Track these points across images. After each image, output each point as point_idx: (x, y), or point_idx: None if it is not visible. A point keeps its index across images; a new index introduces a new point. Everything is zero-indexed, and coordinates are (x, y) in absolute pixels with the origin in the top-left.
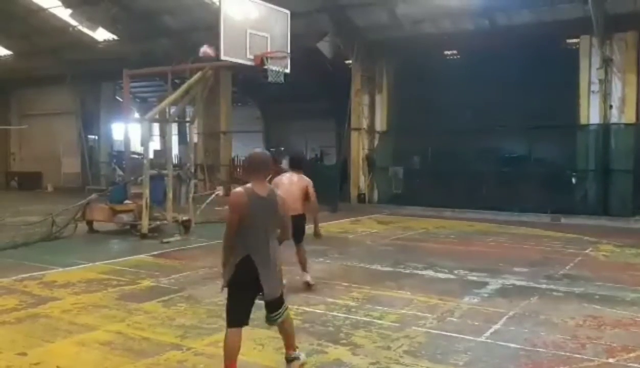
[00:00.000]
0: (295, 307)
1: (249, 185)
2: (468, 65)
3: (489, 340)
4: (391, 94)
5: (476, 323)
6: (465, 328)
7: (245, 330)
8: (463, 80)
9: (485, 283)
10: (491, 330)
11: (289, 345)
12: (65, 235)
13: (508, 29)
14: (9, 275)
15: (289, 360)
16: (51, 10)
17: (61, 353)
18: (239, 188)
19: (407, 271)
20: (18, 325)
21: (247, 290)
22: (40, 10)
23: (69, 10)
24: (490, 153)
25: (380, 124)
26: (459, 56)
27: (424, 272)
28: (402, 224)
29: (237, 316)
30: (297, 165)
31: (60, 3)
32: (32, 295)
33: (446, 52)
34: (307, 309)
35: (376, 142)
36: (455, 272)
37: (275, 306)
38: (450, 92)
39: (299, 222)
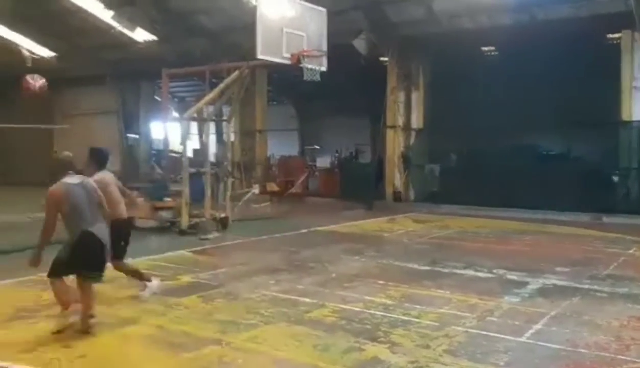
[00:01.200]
0: (333, 305)
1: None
2: (506, 61)
3: (529, 340)
4: (427, 91)
5: (517, 323)
6: (506, 328)
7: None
8: (501, 76)
9: (526, 283)
10: (532, 331)
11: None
12: None
13: (546, 24)
14: None
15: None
16: (93, 11)
17: (105, 346)
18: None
19: (445, 270)
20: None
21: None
22: (82, 11)
23: (111, 12)
24: (528, 150)
25: (416, 121)
26: (496, 52)
27: (462, 271)
28: (439, 223)
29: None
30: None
31: (102, 5)
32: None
33: (484, 48)
34: (345, 307)
35: (412, 140)
36: (495, 271)
37: None
38: (488, 89)
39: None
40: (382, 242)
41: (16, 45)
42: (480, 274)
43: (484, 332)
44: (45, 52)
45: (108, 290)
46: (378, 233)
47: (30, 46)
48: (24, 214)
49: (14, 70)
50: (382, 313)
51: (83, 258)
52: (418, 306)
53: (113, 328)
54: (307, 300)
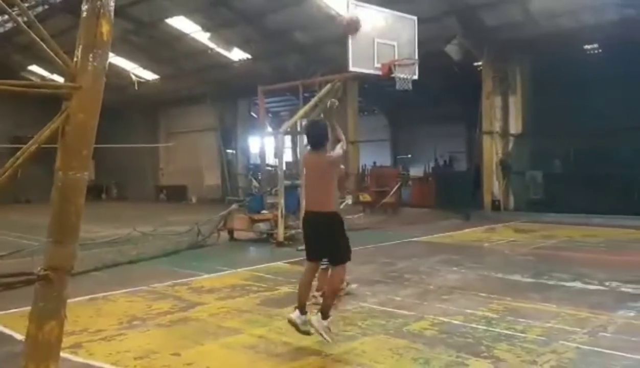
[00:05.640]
0: (432, 317)
1: None
2: (612, 58)
3: None
4: (526, 94)
5: (633, 339)
6: (621, 344)
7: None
8: (607, 75)
9: None
10: None
11: None
12: (209, 244)
13: None
14: (163, 281)
15: None
16: (192, 35)
17: (211, 355)
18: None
19: (552, 282)
20: (171, 327)
21: None
22: (183, 35)
23: (208, 34)
24: None
25: (515, 127)
26: (600, 50)
27: (570, 284)
28: (543, 232)
29: None
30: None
31: (199, 28)
32: (182, 299)
33: (586, 47)
34: (445, 319)
35: (510, 146)
36: (607, 283)
37: None
38: (594, 89)
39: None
40: (482, 252)
41: (125, 70)
42: (590, 287)
43: (597, 349)
44: (149, 75)
45: (212, 300)
46: (477, 244)
47: (136, 70)
48: (133, 228)
49: (123, 93)
50: (484, 327)
51: None
52: (522, 320)
53: (218, 338)
54: (405, 312)
